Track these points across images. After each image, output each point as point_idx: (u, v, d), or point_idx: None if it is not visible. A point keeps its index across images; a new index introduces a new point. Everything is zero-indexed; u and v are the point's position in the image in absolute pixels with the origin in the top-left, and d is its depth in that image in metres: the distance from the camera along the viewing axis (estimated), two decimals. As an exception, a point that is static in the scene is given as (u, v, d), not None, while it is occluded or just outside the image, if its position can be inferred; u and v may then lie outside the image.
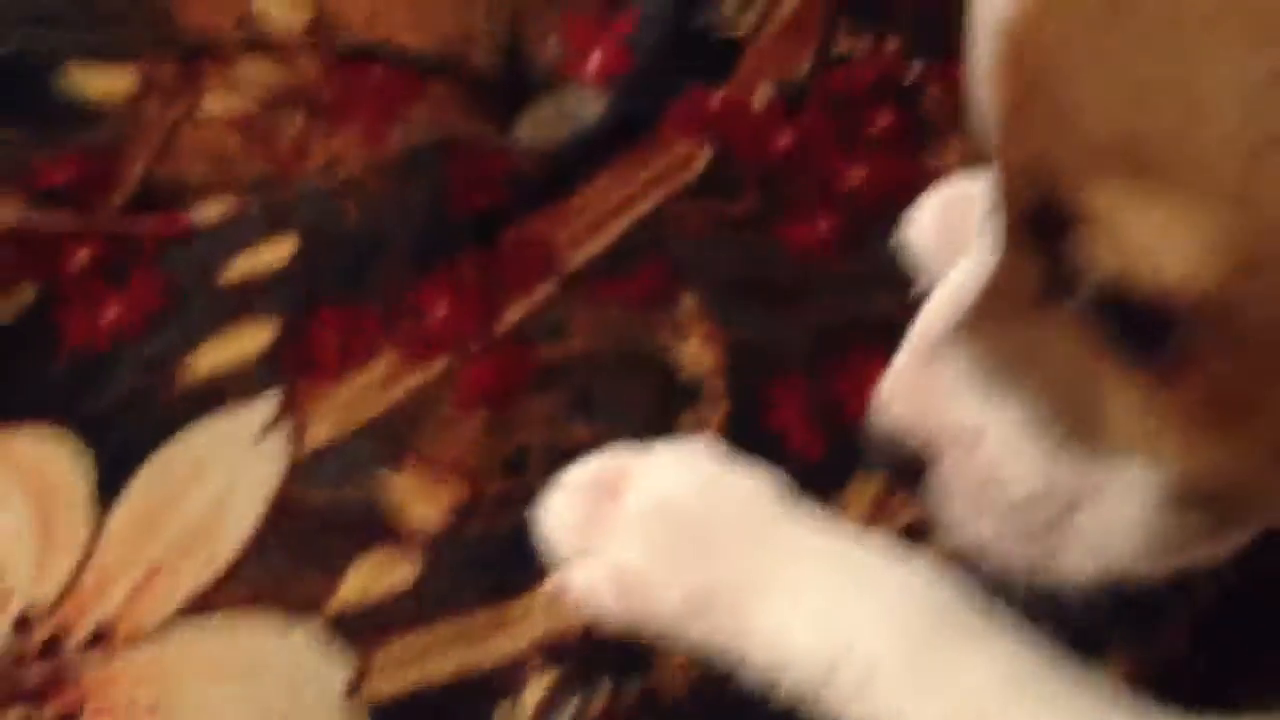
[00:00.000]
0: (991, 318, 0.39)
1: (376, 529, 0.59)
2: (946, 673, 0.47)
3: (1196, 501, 0.39)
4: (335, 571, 0.58)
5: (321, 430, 0.62)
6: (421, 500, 0.60)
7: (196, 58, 0.77)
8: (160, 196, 0.71)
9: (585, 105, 0.77)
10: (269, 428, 0.62)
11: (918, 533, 0.56)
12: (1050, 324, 0.38)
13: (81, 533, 0.59)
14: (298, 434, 0.62)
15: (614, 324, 0.65)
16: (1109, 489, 0.39)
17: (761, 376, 0.63)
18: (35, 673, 0.56)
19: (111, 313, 0.66)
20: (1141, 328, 0.35)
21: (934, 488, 0.42)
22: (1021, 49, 0.34)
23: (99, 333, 0.66)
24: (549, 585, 0.54)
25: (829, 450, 0.60)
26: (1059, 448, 0.39)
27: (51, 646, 0.56)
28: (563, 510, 0.54)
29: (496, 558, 0.58)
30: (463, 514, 0.59)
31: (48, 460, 0.62)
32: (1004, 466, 0.40)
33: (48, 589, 0.58)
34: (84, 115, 0.75)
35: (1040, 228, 0.36)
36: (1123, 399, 0.38)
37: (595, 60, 0.77)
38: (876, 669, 0.48)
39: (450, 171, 0.72)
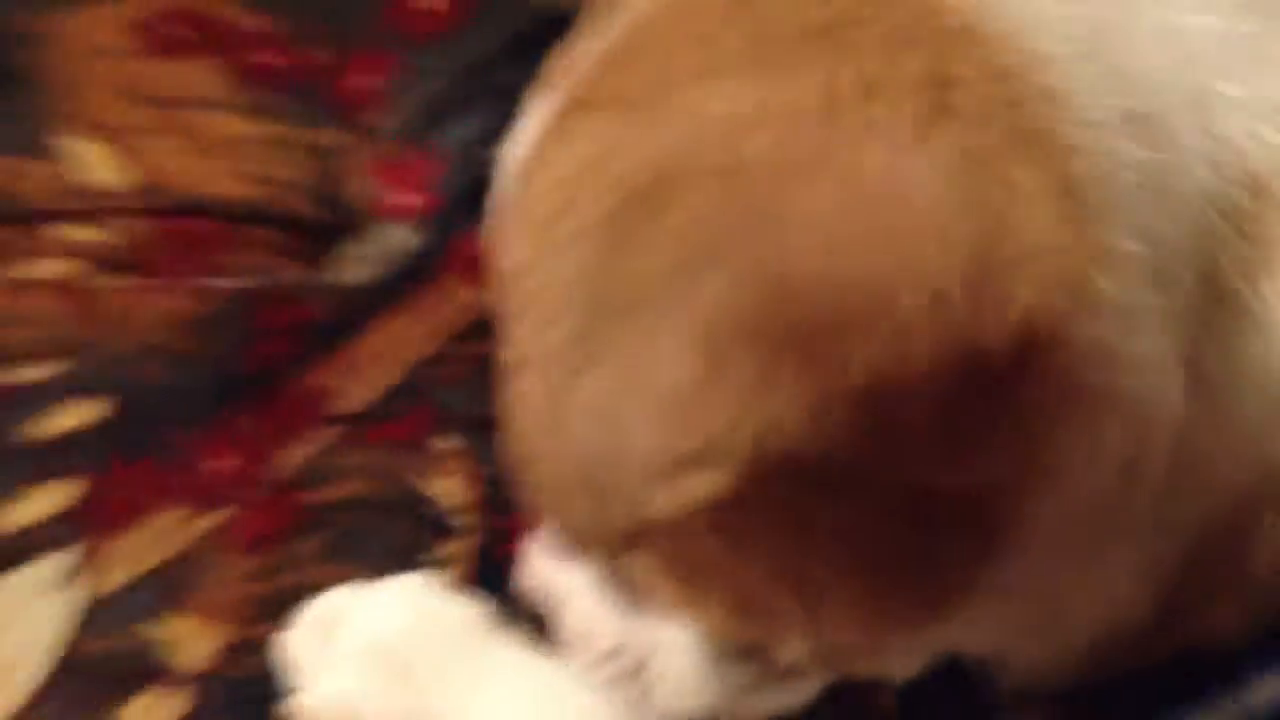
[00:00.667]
0: None
1: (151, 672, 0.65)
2: None
3: (738, 655, 0.45)
4: (115, 708, 0.64)
5: (108, 581, 0.68)
6: (194, 642, 0.66)
7: (22, 224, 0.84)
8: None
9: (399, 240, 0.83)
10: (64, 581, 0.68)
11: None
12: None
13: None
14: (89, 585, 0.68)
15: (379, 467, 0.71)
16: (664, 645, 0.45)
17: (511, 509, 0.69)
18: None
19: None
20: None
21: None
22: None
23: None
24: (284, 713, 0.60)
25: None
26: (624, 609, 0.46)
27: None
28: (292, 646, 0.60)
29: (260, 694, 0.64)
30: (231, 654, 0.65)
31: None
32: (580, 624, 0.48)
33: None
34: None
35: None
36: (645, 564, 0.43)
37: (405, 198, 0.84)
38: None
39: (250, 325, 0.78)
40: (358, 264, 0.82)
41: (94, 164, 0.86)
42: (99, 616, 0.67)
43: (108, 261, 0.82)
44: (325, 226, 0.85)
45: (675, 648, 0.46)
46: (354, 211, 0.85)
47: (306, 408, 0.74)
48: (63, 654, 0.66)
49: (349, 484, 0.70)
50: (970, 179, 0.34)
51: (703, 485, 0.36)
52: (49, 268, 0.82)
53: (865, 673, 0.49)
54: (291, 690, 0.60)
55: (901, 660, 0.45)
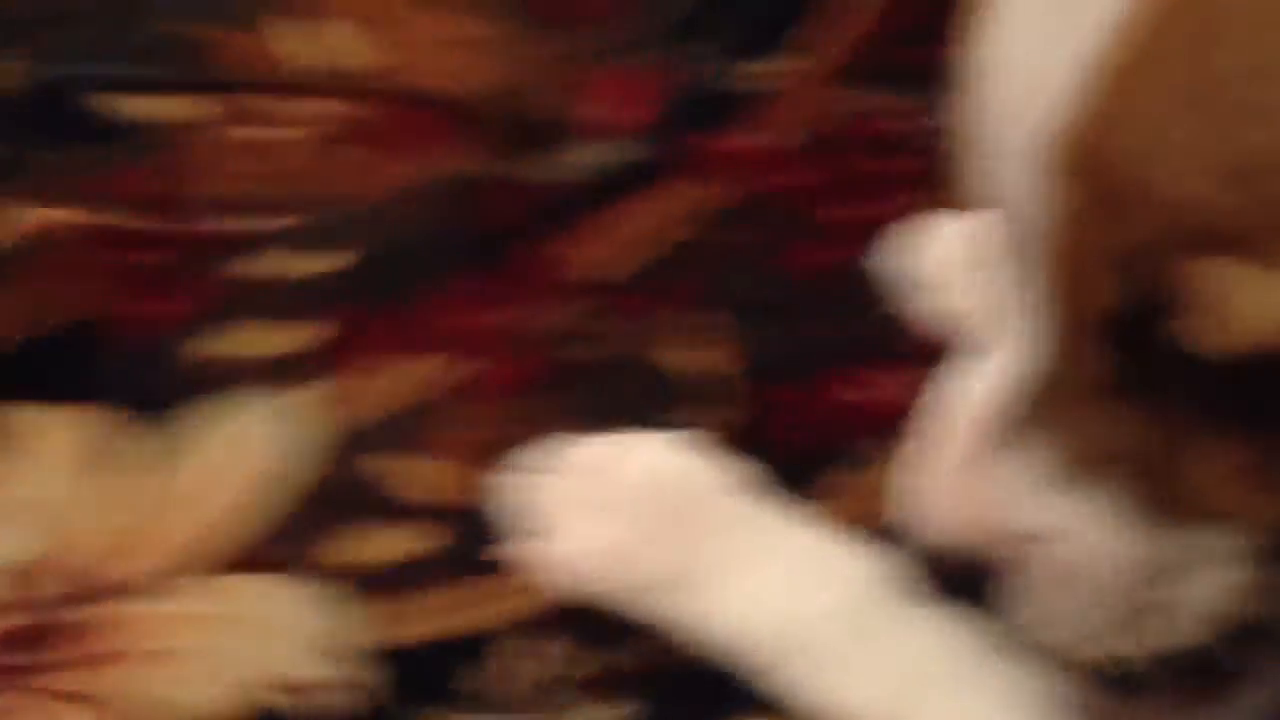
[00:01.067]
0: (1055, 414, 0.38)
1: (393, 506, 0.63)
2: (887, 655, 0.52)
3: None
4: (355, 537, 0.62)
5: (357, 415, 0.67)
6: (428, 482, 0.64)
7: (251, 92, 0.84)
8: (220, 213, 0.77)
9: (613, 154, 0.82)
10: (309, 410, 0.66)
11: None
12: (1125, 411, 0.37)
13: (110, 495, 0.64)
14: (335, 417, 0.66)
15: (635, 336, 0.69)
16: (1202, 560, 0.38)
17: (770, 384, 0.67)
18: (52, 617, 0.59)
19: (169, 309, 0.72)
20: (1241, 395, 0.35)
21: (1010, 592, 0.40)
22: (1097, 155, 0.34)
23: (154, 326, 0.71)
24: (530, 554, 0.58)
25: (825, 450, 0.64)
26: (1148, 533, 0.38)
27: (67, 598, 0.60)
28: (537, 490, 0.58)
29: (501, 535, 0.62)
30: (472, 494, 0.63)
31: (86, 435, 0.66)
32: (1095, 559, 0.39)
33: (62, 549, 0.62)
34: (143, 139, 0.81)
35: (1123, 321, 0.35)
36: (1210, 470, 0.37)
37: (625, 113, 0.83)
38: (824, 652, 0.52)
39: (473, 197, 0.77)
40: (566, 171, 0.82)
41: (321, 45, 0.86)
42: (346, 446, 0.65)
43: (332, 134, 0.82)
44: (544, 130, 0.84)
45: (1221, 560, 0.38)
46: (572, 121, 0.85)
47: (561, 274, 0.72)
48: (313, 479, 0.64)
49: (603, 348, 0.69)
50: None
51: None
52: (289, 134, 0.81)
53: None
54: (536, 533, 0.57)
55: None
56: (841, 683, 0.52)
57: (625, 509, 0.56)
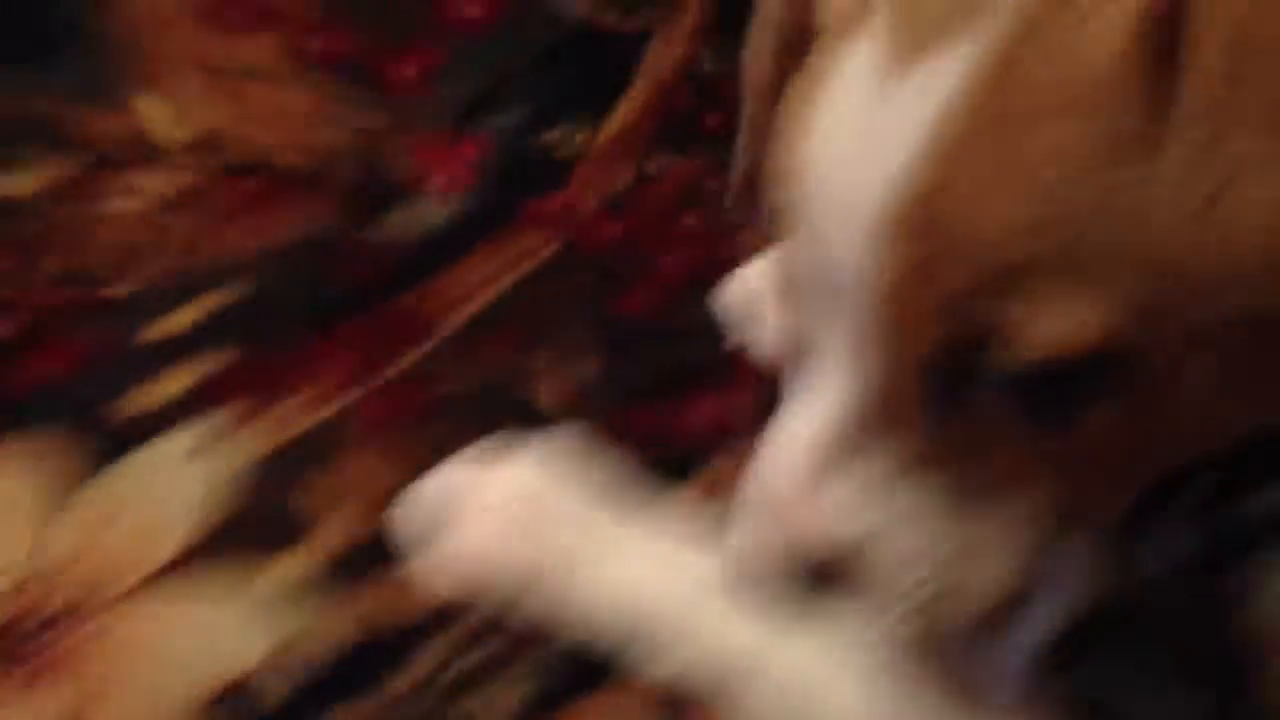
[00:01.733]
0: (876, 433, 0.44)
1: (294, 535, 0.70)
2: (726, 630, 0.58)
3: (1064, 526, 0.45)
4: (258, 564, 0.68)
5: (243, 454, 0.73)
6: (328, 507, 0.71)
7: (94, 167, 0.89)
8: (77, 283, 0.82)
9: (433, 214, 0.91)
10: (196, 452, 0.72)
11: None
12: (940, 424, 0.43)
13: (26, 540, 0.68)
14: (222, 457, 0.73)
15: (483, 373, 0.78)
16: (994, 537, 0.45)
17: (608, 408, 0.77)
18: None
19: (32, 371, 0.76)
20: (1045, 398, 0.42)
21: (852, 593, 0.46)
22: (926, 220, 0.40)
23: (29, 383, 0.75)
24: (406, 571, 0.64)
25: (668, 465, 0.75)
26: (953, 524, 0.45)
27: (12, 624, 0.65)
28: (421, 506, 0.65)
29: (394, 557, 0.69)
30: (365, 520, 0.71)
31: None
32: (910, 556, 0.45)
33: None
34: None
35: (941, 354, 0.42)
36: (1012, 462, 0.44)
37: (443, 178, 0.92)
38: (669, 633, 0.59)
39: (328, 257, 0.85)
40: (400, 230, 0.90)
41: (158, 120, 0.92)
42: (237, 484, 0.71)
43: (173, 204, 0.88)
44: (370, 196, 0.93)
45: (1012, 532, 0.45)
46: (397, 185, 0.93)
47: (408, 323, 0.81)
48: (202, 517, 0.70)
49: (459, 385, 0.77)
50: None
51: None
52: (122, 205, 0.87)
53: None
54: (422, 551, 0.64)
55: None
56: (687, 662, 0.59)
57: (491, 513, 0.63)
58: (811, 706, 0.56)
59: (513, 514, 0.63)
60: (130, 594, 0.66)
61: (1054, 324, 0.40)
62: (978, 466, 0.44)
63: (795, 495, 0.45)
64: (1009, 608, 0.47)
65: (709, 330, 0.80)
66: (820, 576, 0.46)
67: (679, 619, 0.59)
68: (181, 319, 0.79)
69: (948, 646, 0.49)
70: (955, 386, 0.42)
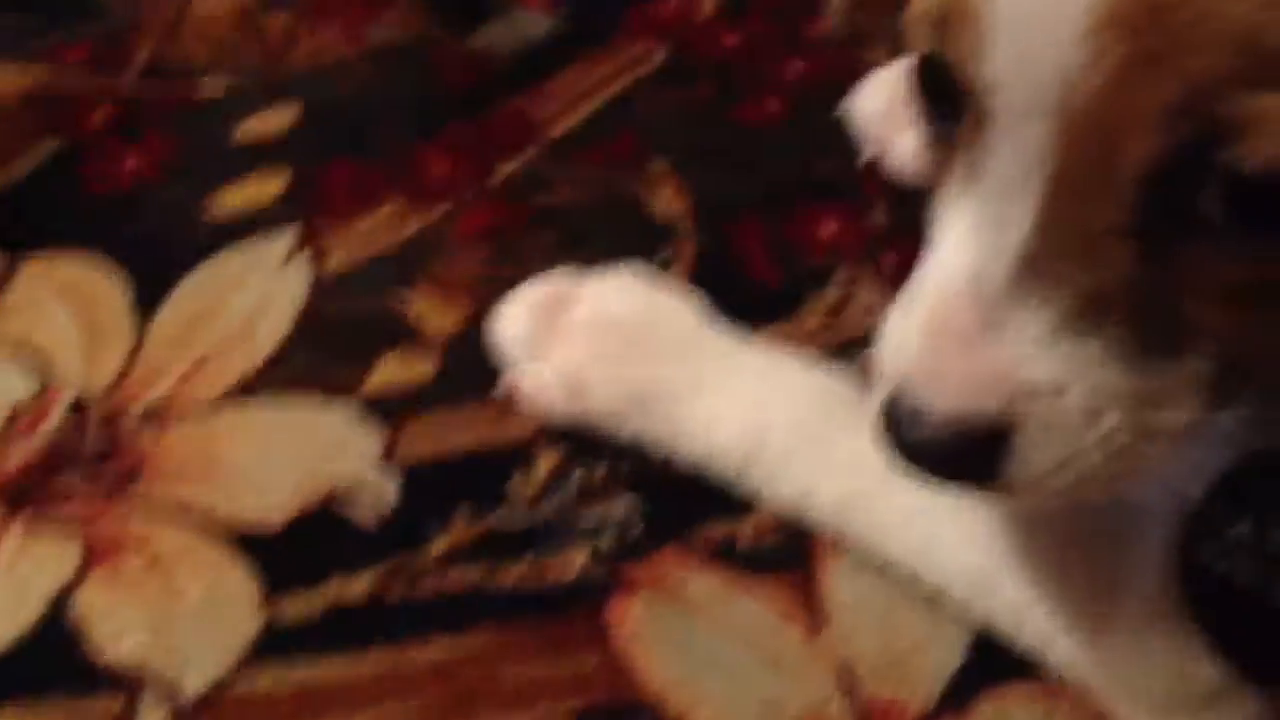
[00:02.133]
0: (1049, 272, 0.38)
1: (397, 333, 0.66)
2: (852, 448, 0.54)
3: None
4: (364, 364, 0.65)
5: (340, 258, 0.70)
6: (434, 313, 0.68)
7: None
8: (167, 74, 0.78)
9: (535, 25, 0.86)
10: (292, 254, 0.69)
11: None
12: (1127, 256, 0.38)
13: (126, 335, 0.65)
14: (318, 260, 0.69)
15: (594, 180, 0.74)
16: (1181, 388, 0.40)
17: (724, 220, 0.72)
18: (94, 440, 0.61)
19: (130, 164, 0.73)
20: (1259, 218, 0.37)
21: (1016, 452, 0.41)
22: (1144, 13, 0.36)
23: (121, 179, 0.72)
24: (503, 385, 0.61)
25: (785, 278, 0.70)
26: (1139, 368, 0.40)
27: (108, 421, 0.62)
28: (516, 322, 0.61)
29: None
30: (472, 324, 0.67)
31: (88, 279, 0.68)
32: (1095, 402, 0.40)
33: (99, 379, 0.64)
34: (88, 5, 0.81)
35: (1159, 169, 0.37)
36: (1204, 297, 0.39)
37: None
38: (791, 450, 0.56)
39: (429, 60, 0.80)
40: (503, 39, 0.85)
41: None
42: (336, 287, 0.68)
43: (268, 1, 0.83)
44: (467, 4, 0.88)
45: (1197, 386, 0.40)
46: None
47: (512, 127, 0.76)
48: (302, 314, 0.66)
49: (566, 193, 0.73)
50: None
51: None
52: (217, 1, 0.82)
53: None
54: (506, 364, 0.61)
55: None
56: (807, 482, 0.56)
57: (585, 333, 0.60)
58: (938, 530, 0.53)
59: (599, 338, 0.60)
60: (230, 392, 0.62)
61: None
62: (1170, 305, 0.39)
63: (973, 334, 0.39)
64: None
65: (836, 142, 0.75)
66: (997, 428, 0.40)
67: (798, 440, 0.56)
68: (277, 119, 0.75)
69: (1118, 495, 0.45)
70: (1166, 208, 0.37)
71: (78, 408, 0.61)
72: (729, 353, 0.60)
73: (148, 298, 0.66)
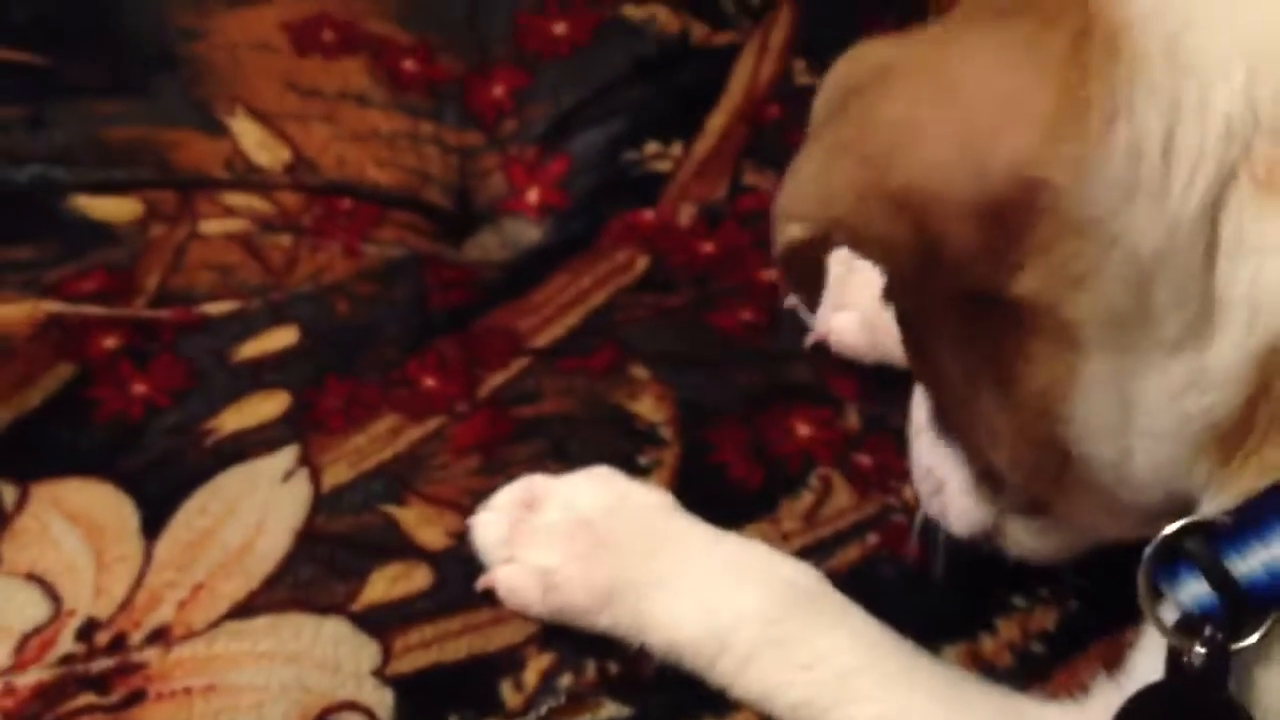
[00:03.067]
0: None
1: (391, 547, 0.70)
2: (814, 650, 0.58)
3: (993, 485, 0.57)
4: (359, 580, 0.68)
5: (336, 474, 0.73)
6: (426, 525, 0.71)
7: (191, 190, 0.90)
8: (174, 301, 0.83)
9: (524, 233, 0.91)
10: (291, 472, 0.72)
11: (840, 539, 0.70)
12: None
13: (132, 560, 0.69)
14: (315, 477, 0.72)
15: (578, 390, 0.78)
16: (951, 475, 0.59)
17: (704, 425, 0.76)
18: (101, 665, 0.64)
19: (140, 389, 0.77)
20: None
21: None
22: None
23: (130, 404, 0.76)
24: (480, 585, 0.65)
25: (764, 480, 0.74)
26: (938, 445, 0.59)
27: (115, 645, 0.65)
28: (490, 525, 0.65)
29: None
30: (463, 536, 0.70)
31: (94, 505, 0.71)
32: (920, 449, 0.61)
33: (107, 604, 0.67)
34: (97, 236, 0.86)
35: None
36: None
37: (533, 196, 0.92)
38: (754, 651, 0.58)
39: (424, 276, 0.85)
40: (490, 251, 0.90)
41: (252, 143, 0.92)
42: (332, 502, 0.71)
43: (269, 224, 0.88)
44: (462, 216, 0.93)
45: (955, 479, 0.58)
46: (488, 205, 0.93)
47: (499, 342, 0.80)
48: (301, 532, 0.70)
49: (555, 402, 0.76)
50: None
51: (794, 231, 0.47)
52: (221, 225, 0.87)
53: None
54: (491, 565, 0.65)
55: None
56: (775, 681, 0.58)
57: (553, 535, 0.63)
58: None
59: (583, 532, 0.63)
60: (231, 613, 0.65)
61: None
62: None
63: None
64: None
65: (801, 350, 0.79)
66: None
67: (762, 640, 0.59)
68: (277, 340, 0.79)
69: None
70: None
71: (87, 632, 0.64)
72: (696, 547, 0.63)
73: (154, 521, 0.69)
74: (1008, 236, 0.45)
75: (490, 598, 0.67)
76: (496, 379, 0.78)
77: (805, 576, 0.61)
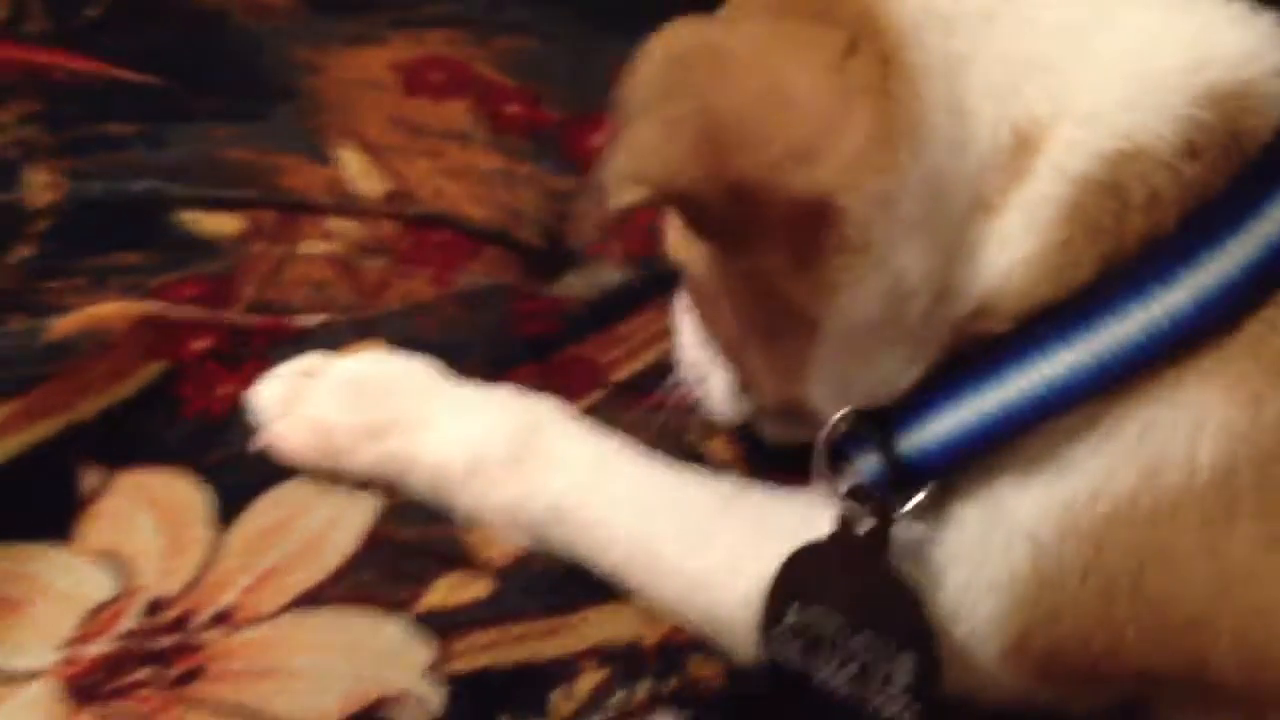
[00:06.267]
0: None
1: (456, 557, 0.71)
2: (550, 465, 0.67)
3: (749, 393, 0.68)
4: (422, 584, 0.69)
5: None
6: (489, 545, 0.72)
7: (295, 212, 0.93)
8: (268, 311, 0.85)
9: (609, 277, 0.93)
10: (364, 482, 0.74)
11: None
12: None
13: (203, 545, 0.70)
14: (389, 490, 0.74)
15: (653, 425, 0.78)
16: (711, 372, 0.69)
17: (772, 467, 0.76)
18: (164, 641, 0.66)
19: (227, 389, 0.79)
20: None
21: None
22: None
23: (215, 403, 0.78)
24: (257, 443, 0.70)
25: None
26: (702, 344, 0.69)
27: (178, 623, 0.66)
28: (269, 388, 0.72)
29: (558, 583, 0.69)
30: (527, 552, 0.71)
31: (173, 492, 0.73)
32: (685, 346, 0.72)
33: (174, 584, 0.68)
34: (200, 249, 0.89)
35: None
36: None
37: (623, 242, 0.94)
38: (500, 469, 0.67)
39: (510, 305, 0.86)
40: (580, 289, 0.92)
41: (357, 172, 0.96)
42: (402, 512, 0.72)
43: (365, 248, 0.91)
44: (548, 255, 0.95)
45: (715, 376, 0.69)
46: (575, 248, 0.95)
47: (579, 373, 0.81)
48: (369, 536, 0.71)
49: (629, 436, 0.77)
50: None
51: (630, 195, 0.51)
52: (319, 246, 0.90)
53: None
54: (260, 424, 0.71)
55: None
56: (519, 492, 0.67)
57: (329, 391, 0.71)
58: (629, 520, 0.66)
59: (357, 388, 0.71)
60: (295, 602, 0.66)
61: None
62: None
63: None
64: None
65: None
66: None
67: (515, 450, 0.68)
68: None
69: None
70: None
71: (153, 610, 0.65)
72: (456, 393, 0.71)
73: (229, 511, 0.71)
74: (807, 239, 0.52)
75: (547, 610, 0.67)
76: (576, 407, 0.78)
77: (552, 406, 0.70)
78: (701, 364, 0.69)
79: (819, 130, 0.50)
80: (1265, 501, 0.51)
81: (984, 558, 0.55)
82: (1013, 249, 0.53)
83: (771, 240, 0.53)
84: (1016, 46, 0.53)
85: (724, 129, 0.50)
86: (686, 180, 0.50)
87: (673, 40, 0.52)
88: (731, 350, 0.65)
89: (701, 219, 0.54)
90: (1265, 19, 0.55)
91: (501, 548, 0.71)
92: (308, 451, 0.69)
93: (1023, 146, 0.52)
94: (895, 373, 0.56)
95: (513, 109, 1.00)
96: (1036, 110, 0.52)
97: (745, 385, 0.67)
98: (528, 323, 0.85)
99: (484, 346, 0.83)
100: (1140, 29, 0.53)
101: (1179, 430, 0.51)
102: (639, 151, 0.51)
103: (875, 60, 0.51)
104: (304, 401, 0.70)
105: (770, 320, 0.59)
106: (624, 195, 0.51)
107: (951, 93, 0.52)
